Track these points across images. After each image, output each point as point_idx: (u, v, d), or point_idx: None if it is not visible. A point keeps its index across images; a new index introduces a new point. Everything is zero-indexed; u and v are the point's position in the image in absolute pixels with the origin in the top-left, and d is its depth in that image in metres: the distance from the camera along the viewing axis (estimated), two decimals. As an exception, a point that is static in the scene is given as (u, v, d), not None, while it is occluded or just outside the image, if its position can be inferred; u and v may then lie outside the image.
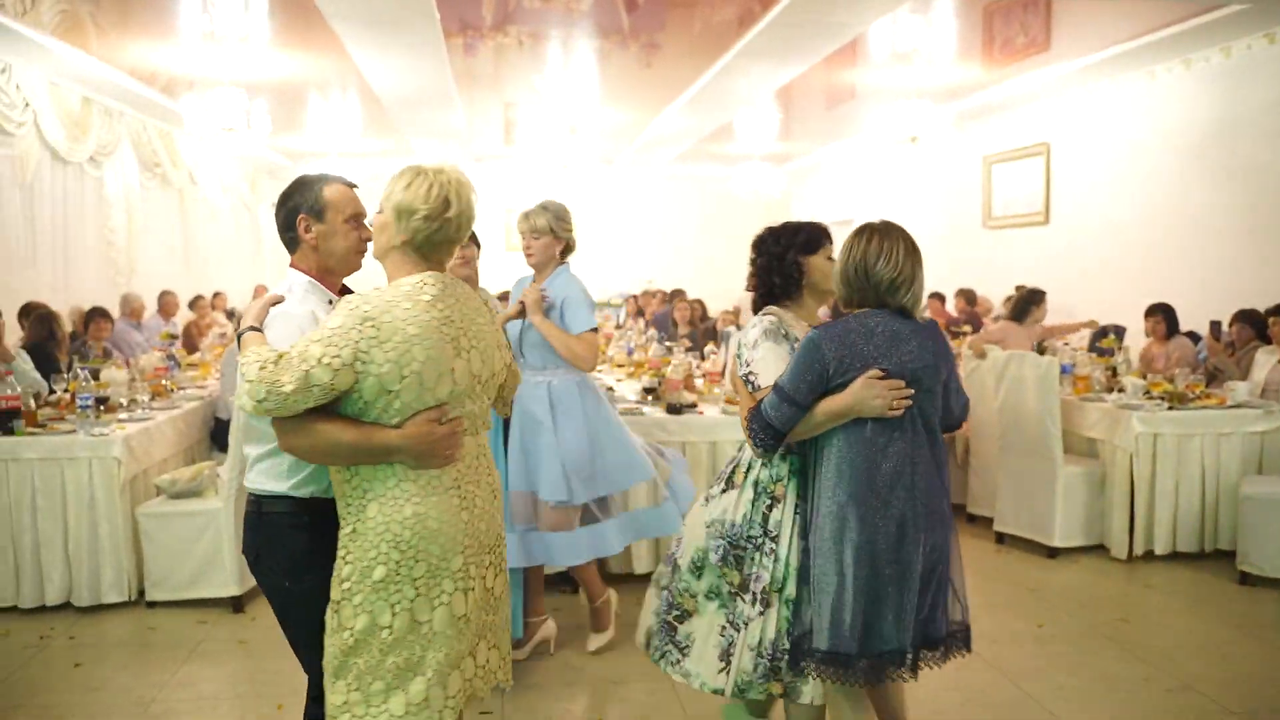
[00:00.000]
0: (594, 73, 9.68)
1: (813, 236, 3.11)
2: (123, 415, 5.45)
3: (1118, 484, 5.68)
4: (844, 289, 2.82)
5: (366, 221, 2.58)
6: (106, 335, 7.69)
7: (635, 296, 12.72)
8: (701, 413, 5.51)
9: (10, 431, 4.92)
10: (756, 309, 3.16)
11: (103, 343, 7.63)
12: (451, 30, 8.46)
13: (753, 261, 3.20)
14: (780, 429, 2.76)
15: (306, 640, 2.50)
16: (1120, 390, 6.16)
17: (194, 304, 10.70)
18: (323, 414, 2.27)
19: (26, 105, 7.79)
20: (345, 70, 8.80)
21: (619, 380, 6.88)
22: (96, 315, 7.65)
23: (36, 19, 7.33)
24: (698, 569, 3.06)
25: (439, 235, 2.38)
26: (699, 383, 6.19)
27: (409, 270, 2.39)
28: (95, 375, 5.78)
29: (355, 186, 2.65)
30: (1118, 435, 5.68)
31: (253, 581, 5.01)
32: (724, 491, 3.04)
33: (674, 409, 5.44)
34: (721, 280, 14.40)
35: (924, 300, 3.12)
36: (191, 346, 8.88)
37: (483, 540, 2.44)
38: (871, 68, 8.83)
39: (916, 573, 2.68)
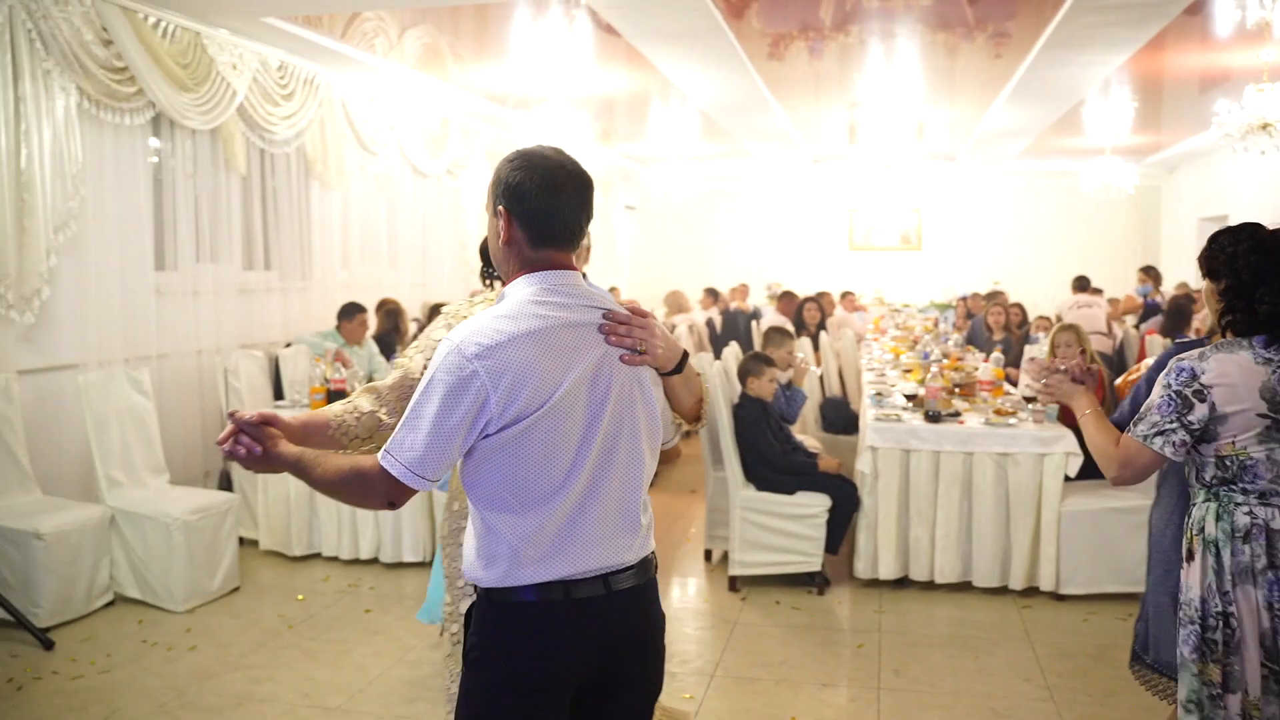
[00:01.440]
0: (940, 67, 9.38)
1: None
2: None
3: None
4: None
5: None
6: (444, 328, 8.67)
7: (965, 299, 12.24)
8: (962, 422, 5.34)
9: (336, 409, 5.77)
10: (1235, 331, 2.58)
11: (445, 335, 8.62)
12: (793, 34, 8.65)
13: (1231, 260, 2.59)
14: None
15: None
16: None
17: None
18: None
19: (390, 128, 8.95)
20: (665, 82, 9.27)
21: (892, 385, 6.74)
22: (435, 312, 8.64)
23: (401, 53, 8.42)
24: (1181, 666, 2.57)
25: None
26: (984, 394, 5.99)
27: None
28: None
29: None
30: None
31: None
32: (1186, 562, 2.59)
33: (932, 416, 5.32)
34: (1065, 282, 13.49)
35: None
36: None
37: None
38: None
39: None
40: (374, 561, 5.73)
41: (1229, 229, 2.69)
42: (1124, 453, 2.60)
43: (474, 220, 10.94)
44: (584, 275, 2.05)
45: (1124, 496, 5.13)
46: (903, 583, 5.33)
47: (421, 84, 8.91)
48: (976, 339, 9.42)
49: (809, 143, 13.76)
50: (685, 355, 2.09)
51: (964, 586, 5.25)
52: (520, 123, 10.84)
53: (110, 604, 4.99)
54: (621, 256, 16.26)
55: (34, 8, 5.21)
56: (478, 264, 10.39)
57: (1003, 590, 5.21)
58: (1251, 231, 2.63)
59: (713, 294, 12.63)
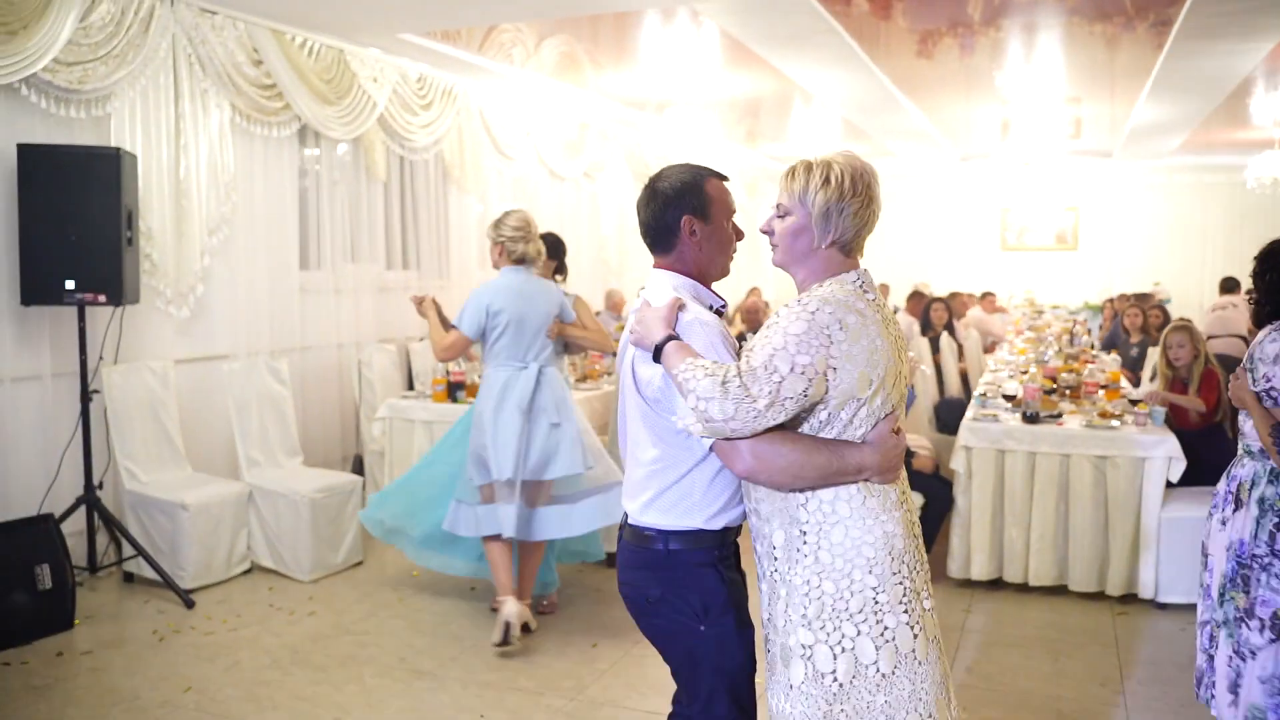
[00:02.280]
0: (1097, 59, 9.09)
1: None
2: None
3: None
4: None
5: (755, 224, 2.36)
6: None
7: (1112, 300, 11.78)
8: (1062, 423, 5.28)
9: (454, 399, 6.17)
10: (1260, 322, 3.14)
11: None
12: (941, 31, 8.57)
13: (1260, 275, 3.14)
14: None
15: (715, 688, 2.31)
16: None
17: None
18: (783, 432, 2.07)
19: (527, 134, 9.37)
20: (793, 84, 9.36)
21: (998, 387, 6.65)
22: (569, 309, 9.01)
23: (539, 62, 8.80)
24: (1221, 596, 3.02)
25: (867, 229, 2.21)
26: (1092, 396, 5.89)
27: (837, 270, 2.19)
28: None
29: (727, 179, 2.45)
30: None
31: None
32: (1234, 510, 3.02)
33: (1030, 417, 5.28)
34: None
35: None
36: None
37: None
38: None
39: None
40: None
41: None
42: None
43: (611, 220, 11.28)
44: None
45: (1230, 504, 4.97)
46: (997, 584, 5.30)
47: (559, 91, 9.27)
48: (1116, 341, 9.12)
49: (954, 141, 13.53)
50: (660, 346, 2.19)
51: (1059, 590, 5.19)
52: (657, 127, 11.15)
53: (247, 571, 5.51)
54: (767, 256, 16.34)
55: (193, 34, 5.79)
56: (616, 262, 10.71)
57: (1099, 596, 5.13)
58: None
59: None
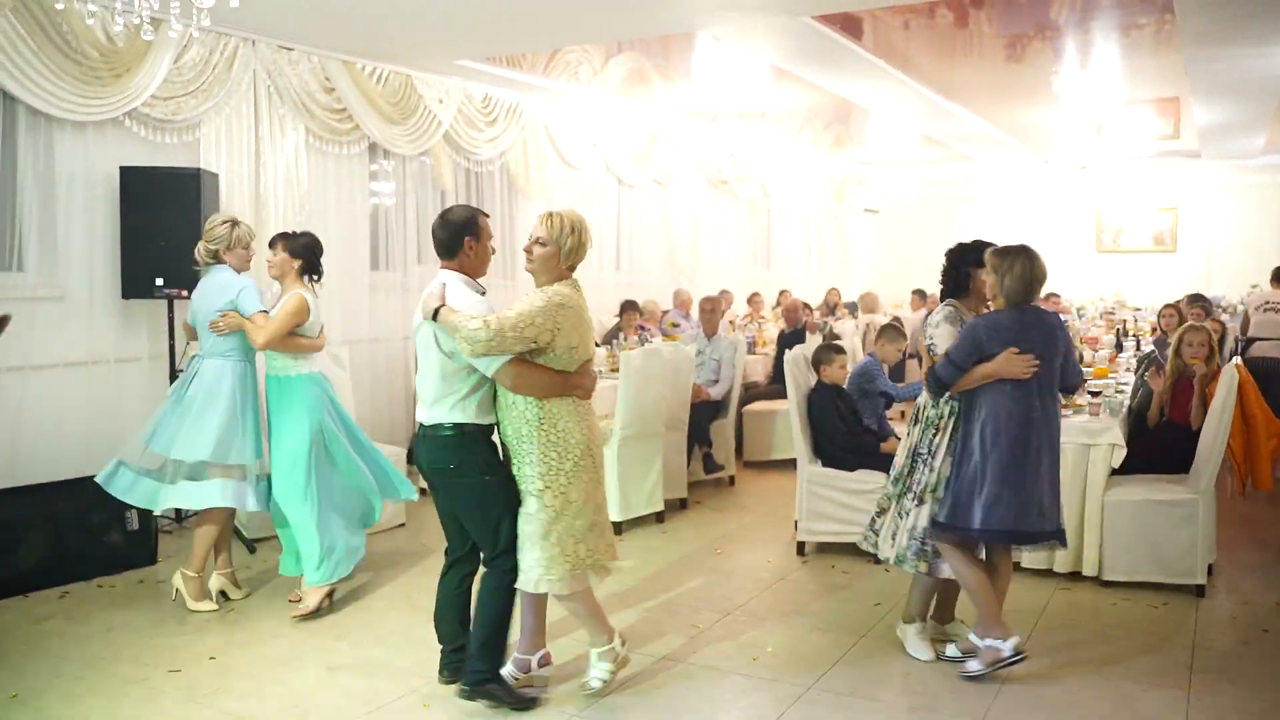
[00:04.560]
0: (1153, 61, 9.23)
1: (980, 254, 4.32)
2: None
3: None
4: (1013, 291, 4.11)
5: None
6: (635, 322, 9.71)
7: (1177, 302, 11.72)
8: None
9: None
10: (942, 300, 4.53)
11: (634, 327, 9.68)
12: (1028, 35, 8.88)
13: (944, 269, 4.49)
14: (947, 382, 4.14)
15: (490, 523, 3.86)
16: None
17: (751, 299, 12.49)
18: (529, 363, 3.72)
19: (593, 145, 10.14)
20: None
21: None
22: (627, 307, 9.73)
23: (605, 78, 9.54)
24: (896, 480, 4.44)
25: (580, 257, 3.92)
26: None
27: (564, 277, 3.87)
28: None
29: (488, 215, 4.14)
30: None
31: (635, 510, 6.53)
32: (914, 425, 4.42)
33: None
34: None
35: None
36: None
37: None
38: None
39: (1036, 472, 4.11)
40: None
41: None
42: None
43: (682, 225, 11.96)
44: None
45: (1168, 489, 5.35)
46: (956, 559, 5.77)
47: (626, 104, 9.98)
48: (1164, 342, 9.25)
49: (1032, 145, 13.65)
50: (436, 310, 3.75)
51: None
52: (732, 135, 11.77)
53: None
54: (858, 258, 16.71)
55: (272, 68, 6.78)
56: (687, 264, 11.33)
57: (1048, 573, 5.54)
58: None
59: (921, 295, 12.91)
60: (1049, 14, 8.19)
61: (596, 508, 3.93)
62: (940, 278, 4.55)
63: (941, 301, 4.54)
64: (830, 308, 12.80)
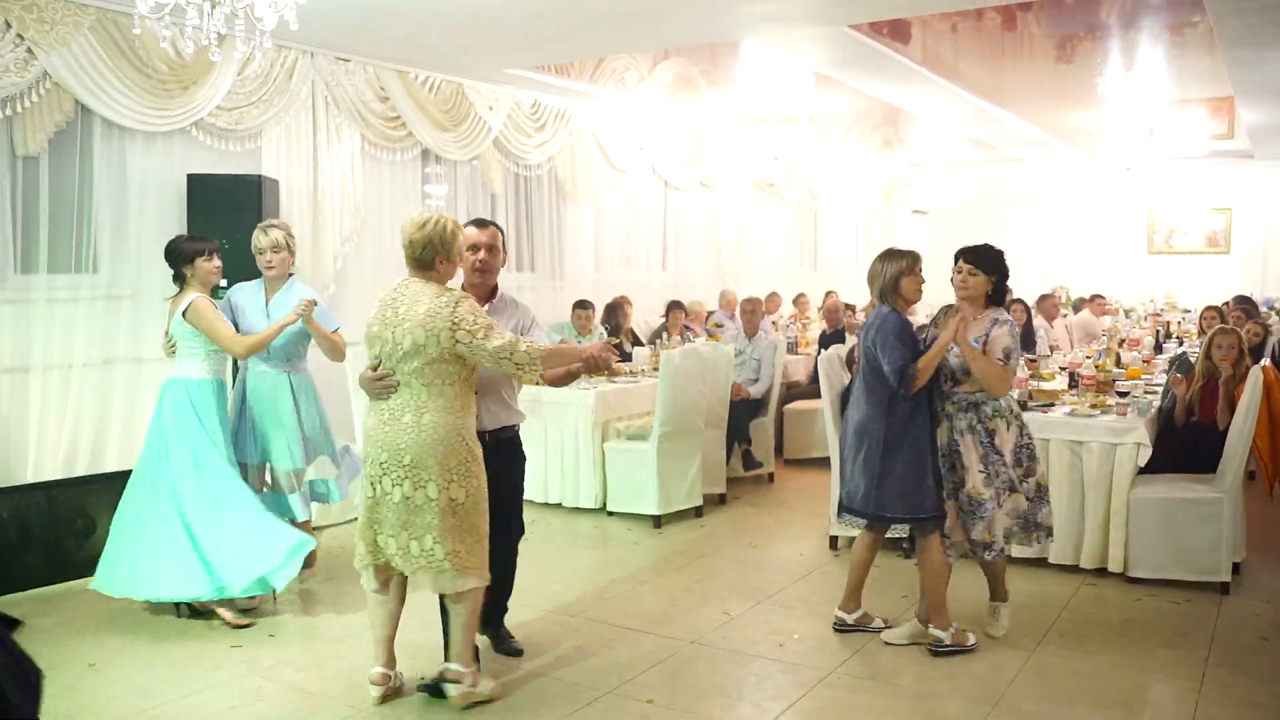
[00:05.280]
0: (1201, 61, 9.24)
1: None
2: (621, 380, 7.49)
3: None
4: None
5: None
6: (680, 322, 9.93)
7: (1226, 303, 11.67)
8: (1046, 411, 5.85)
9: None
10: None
11: (679, 327, 9.90)
12: (1078, 36, 8.96)
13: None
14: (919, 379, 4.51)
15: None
16: None
17: (796, 300, 12.66)
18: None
19: (641, 149, 10.38)
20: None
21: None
22: (673, 308, 9.95)
23: (653, 84, 9.76)
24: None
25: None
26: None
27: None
28: (618, 349, 7.94)
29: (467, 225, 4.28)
30: None
31: (674, 504, 6.76)
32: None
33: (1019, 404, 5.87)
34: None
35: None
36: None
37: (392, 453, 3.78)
38: None
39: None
40: (558, 506, 7.17)
41: None
42: None
43: (729, 226, 12.14)
44: None
45: (1194, 488, 5.45)
46: (986, 554, 5.92)
47: (673, 108, 10.19)
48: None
49: (1080, 147, 13.63)
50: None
51: (1039, 562, 5.76)
52: (774, 139, 11.93)
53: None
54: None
55: (329, 79, 7.11)
56: (733, 265, 11.58)
57: (1074, 569, 5.67)
58: None
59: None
60: (1099, 14, 8.28)
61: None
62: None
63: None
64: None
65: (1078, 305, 13.41)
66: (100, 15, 5.72)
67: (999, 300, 4.70)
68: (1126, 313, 13.26)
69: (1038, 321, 9.93)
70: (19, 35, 5.39)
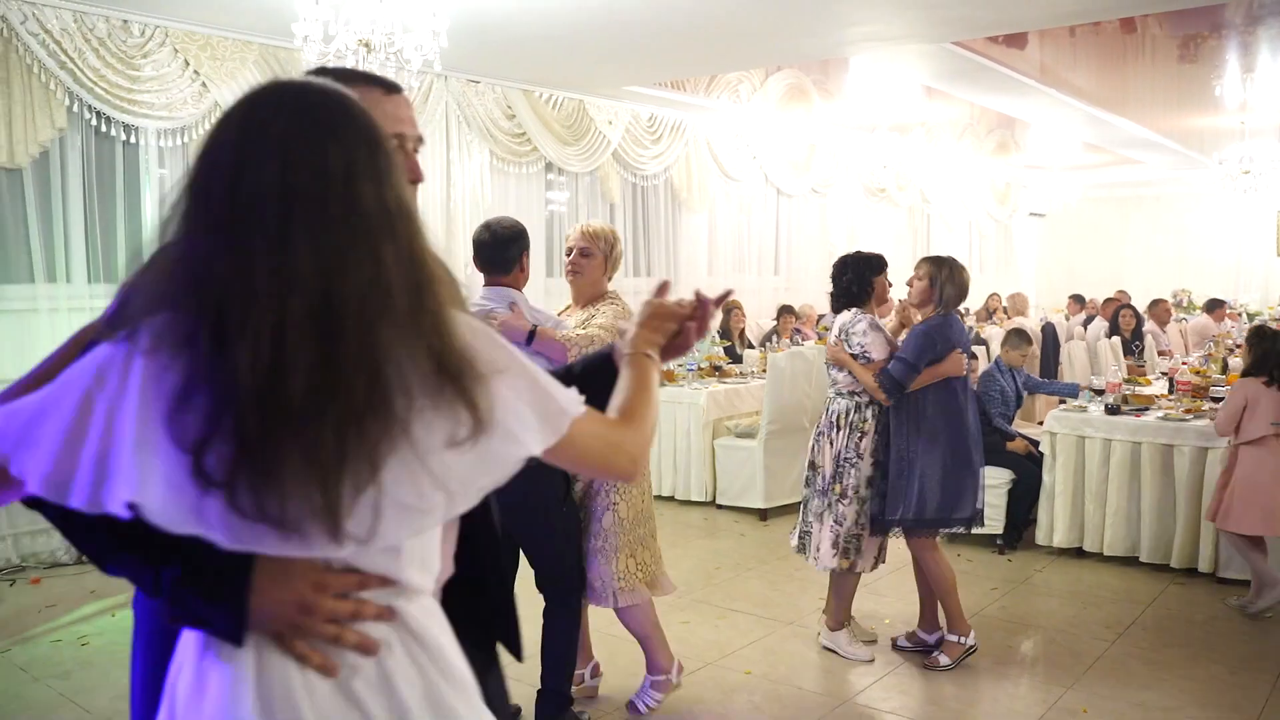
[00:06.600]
0: None
1: (880, 263, 4.73)
2: (730, 380, 7.91)
3: None
4: (951, 298, 4.56)
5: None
6: (791, 325, 10.29)
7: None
8: (1139, 415, 6.04)
9: (649, 381, 7.72)
10: (837, 310, 4.73)
11: (789, 330, 10.26)
12: (1202, 35, 9.01)
13: (837, 278, 4.69)
14: (904, 383, 4.40)
15: (563, 549, 3.76)
16: None
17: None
18: None
19: (753, 158, 10.77)
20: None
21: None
22: (784, 311, 10.31)
23: (765, 94, 10.16)
24: (827, 488, 4.61)
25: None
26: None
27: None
28: (728, 351, 8.36)
29: None
30: None
31: (778, 499, 7.15)
32: (835, 432, 4.63)
33: (1110, 409, 6.08)
34: None
35: None
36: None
37: None
38: None
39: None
40: (670, 499, 7.63)
41: None
42: None
43: (840, 231, 12.43)
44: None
45: (1285, 492, 5.57)
46: (1079, 552, 6.14)
47: (785, 117, 10.56)
48: None
49: (1200, 148, 13.42)
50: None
51: (1131, 561, 5.95)
52: (885, 145, 12.17)
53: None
54: (1022, 262, 16.71)
55: (461, 100, 7.73)
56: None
57: (1165, 568, 5.85)
58: None
59: (1079, 300, 12.93)
60: (1224, 14, 8.28)
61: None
62: (840, 286, 4.67)
63: (837, 309, 4.72)
64: (989, 312, 12.99)
65: (1209, 307, 13.22)
66: (263, 50, 6.42)
67: (858, 300, 4.65)
68: (1251, 317, 13.02)
69: (1148, 326, 9.95)
70: (195, 72, 6.12)
